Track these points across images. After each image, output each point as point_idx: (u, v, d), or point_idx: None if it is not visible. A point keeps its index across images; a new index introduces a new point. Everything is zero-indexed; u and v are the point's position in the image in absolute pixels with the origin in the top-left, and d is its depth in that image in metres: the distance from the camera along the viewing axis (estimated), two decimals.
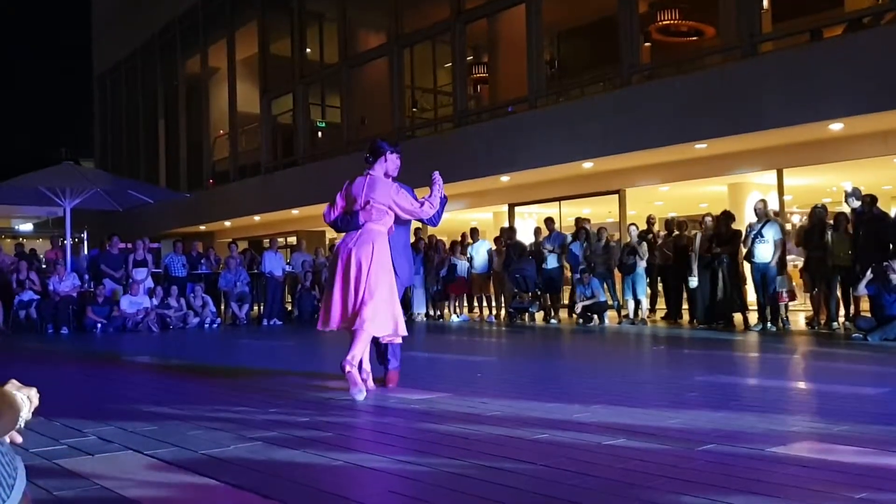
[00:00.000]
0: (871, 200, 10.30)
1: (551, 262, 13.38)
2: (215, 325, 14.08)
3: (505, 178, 16.96)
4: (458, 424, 4.10)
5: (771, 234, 10.60)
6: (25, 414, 1.58)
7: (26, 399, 1.59)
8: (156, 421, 4.37)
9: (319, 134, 23.43)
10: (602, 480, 2.94)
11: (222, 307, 15.32)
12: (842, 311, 10.74)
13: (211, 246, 18.48)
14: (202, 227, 26.43)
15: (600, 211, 17.74)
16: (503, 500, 2.71)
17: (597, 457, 3.32)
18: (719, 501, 2.62)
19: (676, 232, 12.79)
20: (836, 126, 11.81)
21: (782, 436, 3.68)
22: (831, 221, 10.64)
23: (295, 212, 21.98)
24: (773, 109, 11.90)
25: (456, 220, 21.14)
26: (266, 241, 19.29)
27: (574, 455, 3.36)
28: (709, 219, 11.88)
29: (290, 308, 16.01)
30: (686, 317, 12.52)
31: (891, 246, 9.81)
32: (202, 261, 15.74)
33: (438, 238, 15.83)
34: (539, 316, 13.78)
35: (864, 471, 3.04)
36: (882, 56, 10.72)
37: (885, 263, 9.13)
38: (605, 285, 12.90)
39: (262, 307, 15.45)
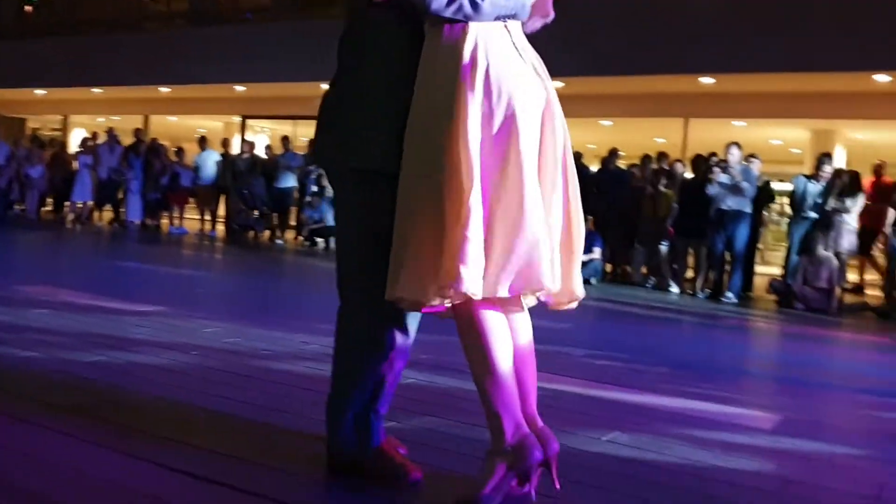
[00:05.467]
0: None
1: (284, 181, 13.13)
2: None
3: (240, 88, 16.29)
4: (178, 339, 3.93)
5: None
6: None
7: None
8: None
9: (29, 8, 20.89)
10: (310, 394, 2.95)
11: None
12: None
13: None
14: None
15: None
16: (220, 409, 2.64)
17: (309, 381, 3.33)
18: (458, 422, 2.75)
19: None
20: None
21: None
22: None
23: None
24: None
25: (183, 125, 20.05)
26: None
27: (283, 379, 3.35)
28: None
29: None
30: None
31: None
32: None
33: (161, 142, 14.87)
34: (264, 235, 13.54)
35: (619, 406, 3.33)
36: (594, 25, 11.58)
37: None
38: (334, 210, 12.92)
39: None
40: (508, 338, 2.02)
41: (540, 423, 2.03)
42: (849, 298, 9.10)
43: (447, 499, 2.02)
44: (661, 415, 3.21)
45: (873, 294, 9.72)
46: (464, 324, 2.01)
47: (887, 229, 8.75)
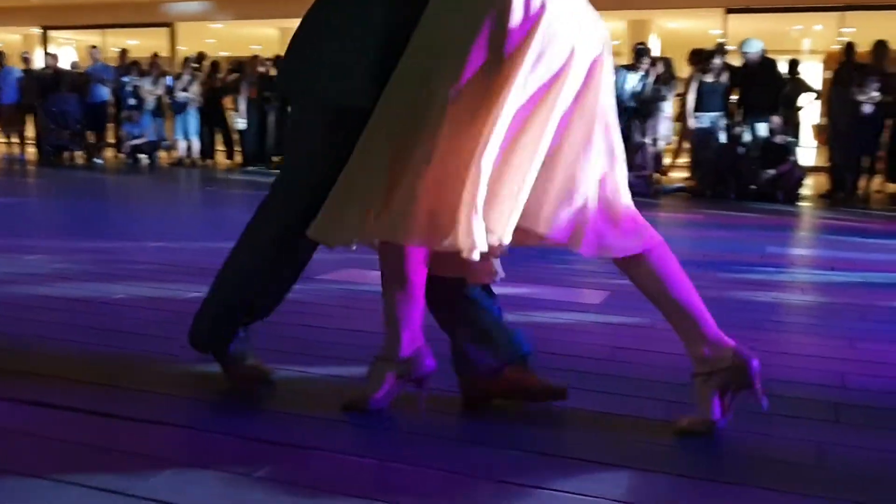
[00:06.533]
0: None
1: (96, 95, 12.31)
2: None
3: None
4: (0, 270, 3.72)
5: None
6: None
7: None
8: None
9: None
10: (154, 314, 2.92)
11: None
12: None
13: None
14: None
15: (149, 44, 16.65)
16: (63, 337, 2.56)
17: (149, 302, 3.26)
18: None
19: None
20: None
21: (333, 264, 3.96)
22: None
23: None
24: None
25: None
26: None
27: (122, 301, 3.27)
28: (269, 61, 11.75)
29: None
30: (238, 158, 12.53)
31: None
32: None
33: None
34: (80, 155, 12.75)
35: None
36: None
37: None
38: (155, 124, 12.33)
39: None
40: (425, 262, 1.97)
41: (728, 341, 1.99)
42: (665, 181, 9.72)
43: (327, 401, 2.09)
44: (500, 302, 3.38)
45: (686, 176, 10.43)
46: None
47: (689, 118, 9.21)
